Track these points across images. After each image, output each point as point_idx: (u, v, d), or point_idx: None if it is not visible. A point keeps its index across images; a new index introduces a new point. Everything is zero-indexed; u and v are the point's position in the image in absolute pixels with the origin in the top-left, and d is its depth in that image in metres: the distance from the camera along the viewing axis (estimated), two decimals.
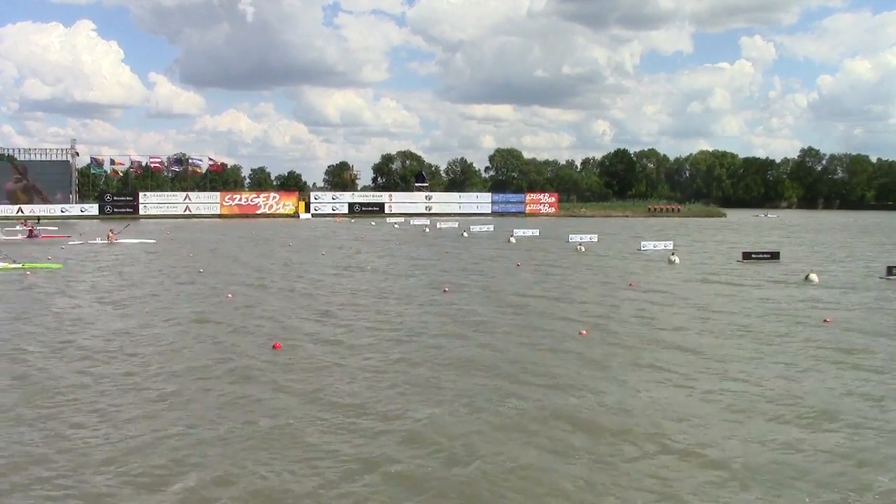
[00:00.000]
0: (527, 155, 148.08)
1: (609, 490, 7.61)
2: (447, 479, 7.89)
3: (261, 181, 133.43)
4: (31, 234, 44.16)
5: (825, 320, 16.89)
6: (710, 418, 9.83)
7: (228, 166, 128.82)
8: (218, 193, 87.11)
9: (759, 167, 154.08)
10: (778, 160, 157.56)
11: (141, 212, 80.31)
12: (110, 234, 40.94)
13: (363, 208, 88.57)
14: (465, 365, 12.63)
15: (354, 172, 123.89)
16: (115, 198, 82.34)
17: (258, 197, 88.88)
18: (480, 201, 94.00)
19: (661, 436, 9.12)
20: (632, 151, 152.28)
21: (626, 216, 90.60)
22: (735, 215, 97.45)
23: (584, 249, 37.28)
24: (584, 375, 11.97)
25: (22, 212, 75.49)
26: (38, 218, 50.05)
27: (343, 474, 7.95)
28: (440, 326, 16.17)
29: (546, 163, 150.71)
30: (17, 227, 49.45)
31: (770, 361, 12.96)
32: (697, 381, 11.66)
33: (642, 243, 38.48)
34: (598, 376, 11.92)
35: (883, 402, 10.57)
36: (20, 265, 27.06)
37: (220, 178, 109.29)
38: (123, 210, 79.85)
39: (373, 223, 70.03)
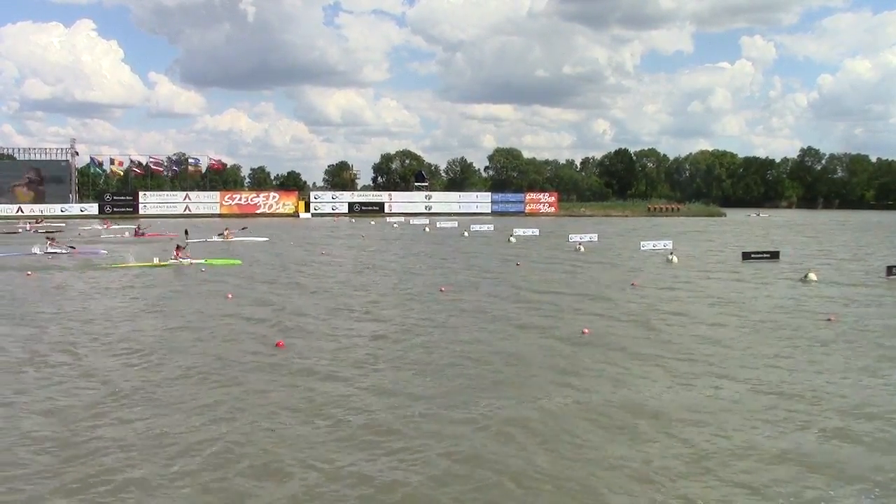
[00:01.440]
0: (527, 154, 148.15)
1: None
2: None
3: (260, 181, 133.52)
4: (137, 233, 45.51)
5: (829, 318, 16.90)
6: (718, 416, 9.82)
7: (228, 166, 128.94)
8: (217, 193, 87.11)
9: (758, 167, 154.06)
10: (778, 160, 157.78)
11: (140, 211, 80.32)
12: (227, 233, 42.11)
13: (363, 208, 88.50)
14: (463, 364, 12.64)
15: (354, 172, 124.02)
16: (114, 197, 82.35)
17: (258, 196, 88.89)
18: (480, 201, 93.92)
19: (673, 428, 9.13)
20: (632, 151, 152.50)
21: (626, 216, 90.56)
22: (734, 215, 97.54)
23: (583, 249, 37.27)
24: (590, 372, 11.97)
25: (22, 211, 75.52)
26: (139, 220, 52.58)
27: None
28: (441, 326, 16.19)
29: (546, 162, 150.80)
30: (96, 226, 50.80)
31: (772, 360, 12.95)
32: (701, 379, 11.66)
33: (642, 243, 38.43)
34: (603, 373, 11.91)
35: None
36: (202, 261, 28.42)
37: (220, 178, 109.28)
38: (123, 210, 79.80)
39: (372, 223, 70.00)
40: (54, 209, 77.26)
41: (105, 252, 33.04)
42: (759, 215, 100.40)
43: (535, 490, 7.62)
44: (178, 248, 29.29)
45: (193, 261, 28.21)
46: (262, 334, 15.17)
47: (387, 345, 14.23)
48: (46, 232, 46.08)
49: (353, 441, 8.91)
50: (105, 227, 54.38)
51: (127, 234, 46.18)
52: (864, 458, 8.48)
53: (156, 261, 27.90)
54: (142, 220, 51.97)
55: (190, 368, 12.32)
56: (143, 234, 45.09)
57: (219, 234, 42.31)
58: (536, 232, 50.45)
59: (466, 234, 52.20)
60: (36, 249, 32.34)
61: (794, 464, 8.28)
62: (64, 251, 32.64)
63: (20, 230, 51.08)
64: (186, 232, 33.79)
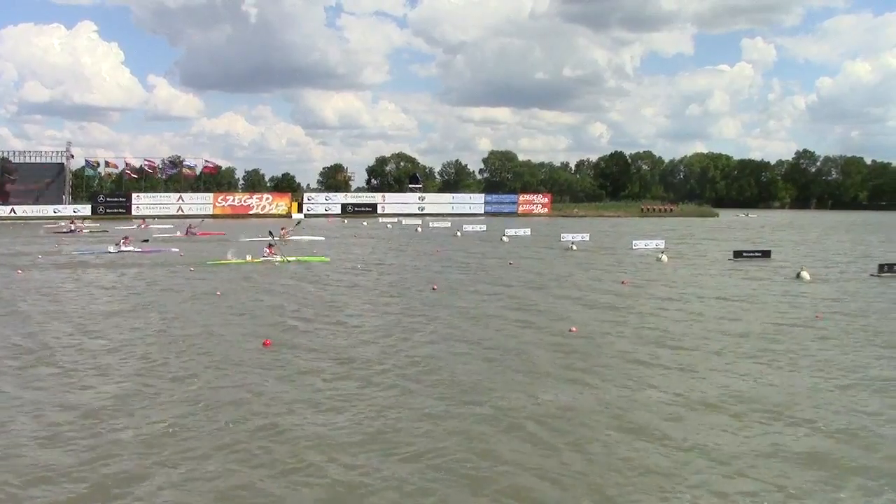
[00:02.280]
0: (523, 157, 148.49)
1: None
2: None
3: (255, 183, 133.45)
4: (189, 232, 46.12)
5: (817, 316, 16.96)
6: (710, 417, 9.84)
7: (223, 168, 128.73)
8: (211, 194, 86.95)
9: (753, 169, 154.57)
10: (773, 162, 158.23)
11: (133, 212, 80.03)
12: (283, 232, 42.76)
13: (356, 209, 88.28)
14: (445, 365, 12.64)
15: (348, 174, 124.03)
16: (107, 199, 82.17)
17: (251, 198, 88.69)
18: (473, 202, 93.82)
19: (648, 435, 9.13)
20: (627, 154, 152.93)
21: (619, 216, 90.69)
22: (727, 216, 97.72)
23: (575, 248, 37.31)
24: (576, 370, 11.98)
25: (15, 212, 75.24)
26: (203, 218, 53.54)
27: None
28: (436, 323, 16.18)
29: (540, 165, 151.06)
30: (135, 227, 53.53)
31: (765, 357, 12.99)
32: (691, 379, 11.68)
33: (634, 242, 38.48)
34: (595, 372, 11.93)
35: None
36: (293, 258, 29.74)
37: (214, 180, 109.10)
38: (116, 211, 79.59)
39: (364, 223, 69.94)
40: (47, 210, 77.00)
41: (177, 250, 34.14)
42: (747, 215, 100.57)
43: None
44: (269, 245, 30.62)
45: (288, 258, 29.51)
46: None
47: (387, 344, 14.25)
48: (96, 231, 47.89)
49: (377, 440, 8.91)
50: (142, 227, 55.21)
51: (178, 232, 46.66)
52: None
53: (249, 258, 29.08)
54: (193, 219, 54.13)
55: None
56: (195, 233, 45.81)
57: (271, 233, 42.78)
58: (528, 232, 50.46)
59: (459, 233, 52.12)
60: (111, 248, 33.58)
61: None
62: (138, 250, 33.94)
63: (70, 230, 51.51)
64: (270, 233, 35.14)
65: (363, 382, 11.00)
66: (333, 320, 16.27)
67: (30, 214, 75.34)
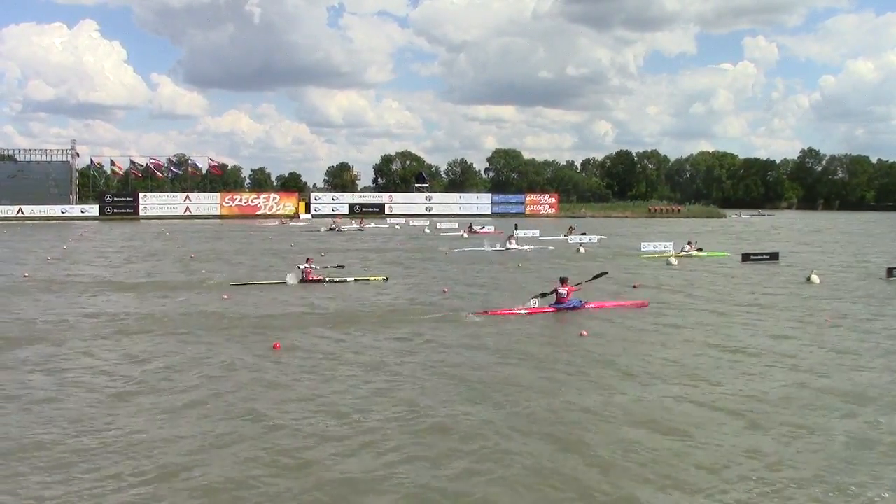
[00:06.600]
0: (528, 155, 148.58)
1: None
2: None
3: (261, 182, 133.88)
4: (470, 231, 51.74)
5: (828, 320, 16.93)
6: (720, 422, 9.86)
7: (228, 167, 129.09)
8: (218, 194, 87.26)
9: (759, 168, 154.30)
10: (778, 161, 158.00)
11: (141, 212, 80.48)
12: (570, 231, 47.33)
13: (363, 209, 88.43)
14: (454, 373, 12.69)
15: (355, 173, 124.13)
16: (115, 198, 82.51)
17: (258, 198, 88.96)
18: (480, 202, 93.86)
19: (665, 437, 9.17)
20: (633, 152, 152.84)
21: (627, 217, 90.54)
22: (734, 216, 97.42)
23: (583, 251, 37.25)
24: (582, 376, 12.00)
25: (22, 212, 75.44)
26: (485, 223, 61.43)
27: None
28: (442, 326, 16.24)
29: (546, 163, 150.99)
30: (353, 225, 60.41)
31: (775, 362, 12.98)
32: (704, 383, 11.68)
33: (643, 244, 38.40)
34: (597, 376, 11.95)
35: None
36: (705, 253, 34.39)
37: (220, 179, 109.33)
38: (123, 210, 80.00)
39: (372, 224, 69.90)
40: (55, 210, 77.32)
41: (553, 248, 38.70)
42: (740, 216, 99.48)
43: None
44: (688, 243, 34.92)
45: (700, 253, 34.02)
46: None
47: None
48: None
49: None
50: (360, 224, 61.34)
51: (464, 233, 51.43)
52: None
53: (672, 252, 34.11)
54: (474, 219, 64.06)
55: None
56: (476, 232, 51.18)
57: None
58: (537, 233, 50.36)
59: (465, 234, 51.93)
60: (486, 245, 38.20)
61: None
62: (522, 247, 38.05)
63: (331, 228, 56.40)
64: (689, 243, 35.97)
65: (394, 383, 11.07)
66: None
67: (37, 214, 75.66)
